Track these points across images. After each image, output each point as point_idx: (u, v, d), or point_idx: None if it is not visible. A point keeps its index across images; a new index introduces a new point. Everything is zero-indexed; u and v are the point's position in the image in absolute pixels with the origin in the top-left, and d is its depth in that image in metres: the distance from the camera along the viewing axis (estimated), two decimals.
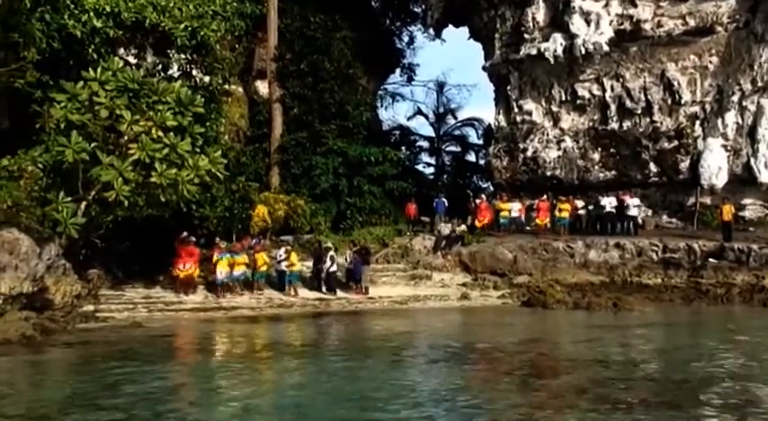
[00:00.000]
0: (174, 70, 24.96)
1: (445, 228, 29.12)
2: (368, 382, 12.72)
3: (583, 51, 31.75)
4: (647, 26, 31.69)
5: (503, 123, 35.27)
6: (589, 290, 25.57)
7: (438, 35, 40.36)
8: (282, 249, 25.08)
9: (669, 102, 31.95)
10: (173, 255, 23.07)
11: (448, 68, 77.44)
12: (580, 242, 28.09)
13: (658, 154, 31.98)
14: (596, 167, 33.10)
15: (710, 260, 26.69)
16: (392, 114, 61.35)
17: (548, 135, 33.96)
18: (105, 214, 20.62)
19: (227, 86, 27.52)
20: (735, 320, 22.24)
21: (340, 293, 24.54)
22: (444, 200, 31.56)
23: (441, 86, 47.10)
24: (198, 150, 20.19)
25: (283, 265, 24.42)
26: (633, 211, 29.77)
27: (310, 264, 25.35)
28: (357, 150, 32.21)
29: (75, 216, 19.26)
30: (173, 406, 11.18)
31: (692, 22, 31.43)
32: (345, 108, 33.32)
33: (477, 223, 30.14)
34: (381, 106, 44.66)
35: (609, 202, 29.83)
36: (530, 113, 34.29)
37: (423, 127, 46.57)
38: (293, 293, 24.05)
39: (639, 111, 32.30)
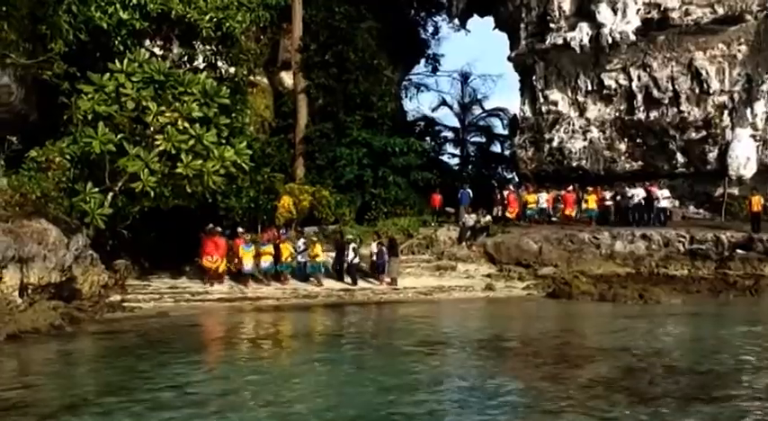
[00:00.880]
0: (199, 61, 25.05)
1: (470, 219, 29.00)
2: (399, 373, 12.72)
3: (609, 41, 31.45)
4: (675, 15, 31.30)
5: (528, 113, 35.07)
6: (615, 281, 25.33)
7: (463, 25, 40.19)
8: (301, 240, 25.14)
9: (697, 91, 31.55)
10: (198, 246, 23.17)
11: (473, 59, 77.25)
12: (606, 233, 27.85)
13: (686, 144, 31.63)
14: (622, 158, 32.81)
15: (738, 251, 26.36)
16: (417, 105, 61.38)
17: (573, 125, 33.71)
18: (132, 205, 20.81)
19: (252, 77, 27.62)
20: (762, 312, 21.97)
21: (363, 283, 24.53)
22: (469, 190, 31.44)
23: (465, 77, 46.88)
24: (223, 141, 20.29)
25: (303, 257, 24.47)
26: (664, 203, 29.47)
27: (333, 255, 25.38)
28: (382, 141, 32.13)
29: (103, 207, 19.45)
30: (204, 397, 11.20)
31: (720, 11, 31.01)
32: (370, 99, 33.23)
33: (508, 214, 30.06)
34: (406, 97, 44.53)
35: (637, 194, 29.54)
36: (555, 103, 34.08)
37: (447, 117, 46.33)
38: (317, 284, 24.09)
39: (667, 101, 31.93)
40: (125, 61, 19.87)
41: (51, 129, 21.00)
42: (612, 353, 14.60)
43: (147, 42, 24.03)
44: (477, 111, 46.82)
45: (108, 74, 19.71)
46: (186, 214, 22.75)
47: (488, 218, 29.33)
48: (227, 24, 23.93)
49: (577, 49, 32.18)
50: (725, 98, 31.35)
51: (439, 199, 31.56)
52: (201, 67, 24.72)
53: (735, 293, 24.23)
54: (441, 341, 16.65)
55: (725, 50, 31.24)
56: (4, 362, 13.81)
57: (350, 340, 16.64)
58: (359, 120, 32.72)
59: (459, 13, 38.06)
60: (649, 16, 31.48)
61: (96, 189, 19.45)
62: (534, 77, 34.38)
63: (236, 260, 23.51)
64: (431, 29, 42.36)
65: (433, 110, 46.24)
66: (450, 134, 45.40)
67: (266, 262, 23.70)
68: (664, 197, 29.56)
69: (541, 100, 34.35)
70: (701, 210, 31.63)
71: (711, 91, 31.27)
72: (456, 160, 45.34)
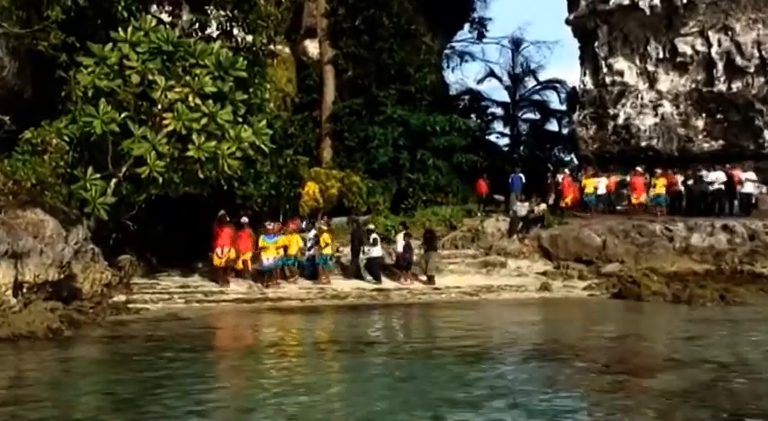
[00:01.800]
0: (212, 29, 25.15)
1: (522, 208, 28.93)
2: (446, 384, 12.77)
3: (684, 0, 31.11)
4: None
5: (589, 86, 35.04)
6: (691, 280, 25.10)
7: None
8: (312, 232, 25.29)
9: None
10: (212, 239, 23.37)
11: (525, 23, 77.21)
12: (681, 224, 27.62)
13: None
14: (700, 136, 32.56)
15: None
16: (460, 77, 61.31)
17: (642, 99, 33.59)
18: (138, 193, 21.00)
19: (272, 47, 27.61)
20: None
21: (387, 282, 24.61)
22: (521, 175, 31.41)
23: (516, 44, 46.83)
24: (240, 120, 20.34)
25: (313, 250, 24.72)
26: (748, 188, 29.20)
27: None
28: (420, 119, 32.13)
29: (105, 195, 19.63)
30: (220, 415, 11.29)
31: None
32: (406, 70, 33.24)
33: (560, 202, 29.86)
34: (448, 68, 44.68)
35: (716, 178, 29.23)
36: (621, 74, 33.99)
37: (496, 91, 46.56)
38: (325, 281, 24.25)
39: (752, 70, 31.61)
40: (129, 29, 19.97)
41: (48, 107, 21.23)
42: (689, 363, 14.45)
43: (154, 8, 24.21)
44: (529, 83, 46.90)
45: (110, 44, 19.83)
46: (198, 203, 22.92)
47: (543, 206, 29.24)
48: None
49: (647, 11, 32.03)
50: None
51: (486, 185, 31.55)
52: (215, 35, 24.80)
53: None
54: (490, 349, 16.61)
55: None
56: None
57: (388, 348, 16.61)
58: (394, 95, 32.75)
59: None
60: None
61: (98, 175, 19.62)
62: (596, 44, 34.25)
63: (240, 258, 23.69)
64: None
65: (479, 82, 46.41)
66: (498, 110, 45.54)
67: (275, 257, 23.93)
68: (749, 181, 29.24)
69: (605, 70, 34.25)
70: None
71: None
72: (506, 140, 45.48)
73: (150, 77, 19.73)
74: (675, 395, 11.99)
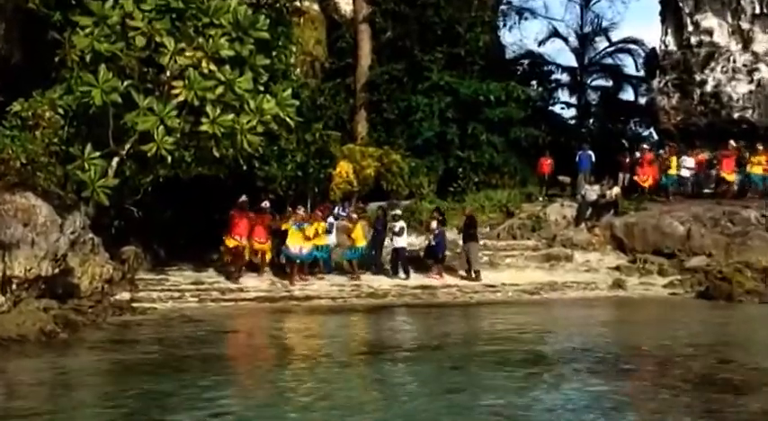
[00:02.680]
0: None
1: (592, 192, 28.82)
2: (499, 399, 12.65)
3: None
4: None
5: (672, 47, 35.02)
6: None
7: None
8: (330, 219, 25.56)
9: None
10: (228, 229, 23.44)
11: None
12: None
13: None
14: None
15: None
16: (519, 37, 60.97)
17: (735, 62, 33.53)
18: (143, 174, 21.05)
19: (298, 3, 27.62)
20: None
21: (416, 276, 24.90)
22: (590, 153, 31.40)
23: None
24: (261, 89, 20.33)
25: (331, 239, 25.15)
26: None
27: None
28: (471, 87, 32.05)
29: (106, 176, 19.68)
30: None
31: None
32: (455, 30, 33.12)
33: (641, 182, 29.73)
34: (504, 26, 44.23)
35: None
36: (710, 32, 33.92)
37: (561, 54, 46.36)
38: (355, 276, 24.59)
39: None
40: None
41: (40, 74, 21.32)
42: None
43: None
44: (601, 44, 46.42)
45: (111, 1, 19.90)
46: (213, 186, 23.00)
47: (617, 190, 29.16)
48: None
49: None
50: None
51: (549, 164, 31.48)
52: None
53: None
54: (553, 356, 16.51)
55: None
56: None
57: (437, 355, 16.56)
58: (440, 59, 32.70)
59: None
60: None
61: (97, 153, 19.68)
62: None
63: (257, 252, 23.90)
64: None
65: (541, 43, 46.01)
66: (564, 77, 45.23)
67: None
68: None
69: (690, 28, 34.18)
70: None
71: None
72: (572, 112, 45.11)
73: (157, 40, 19.71)
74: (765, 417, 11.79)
